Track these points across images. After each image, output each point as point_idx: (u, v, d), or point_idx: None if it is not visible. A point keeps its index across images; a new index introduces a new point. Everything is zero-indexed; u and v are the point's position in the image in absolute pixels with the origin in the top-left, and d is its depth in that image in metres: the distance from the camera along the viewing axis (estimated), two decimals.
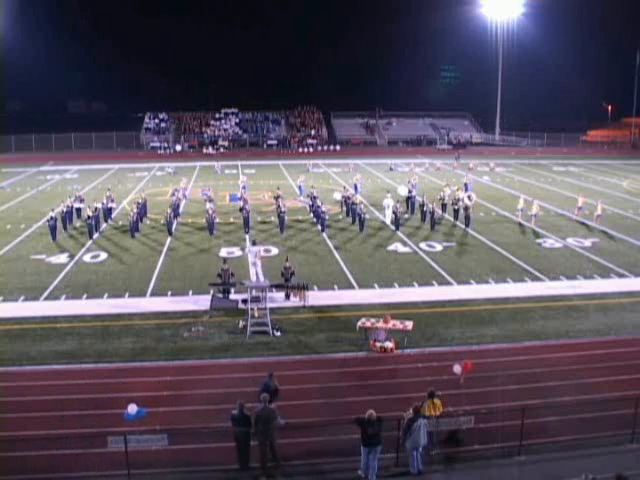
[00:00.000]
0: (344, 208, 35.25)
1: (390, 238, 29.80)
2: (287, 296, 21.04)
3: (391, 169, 55.96)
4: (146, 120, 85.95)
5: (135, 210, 31.09)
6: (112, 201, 34.11)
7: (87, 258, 26.44)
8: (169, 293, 21.84)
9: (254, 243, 23.87)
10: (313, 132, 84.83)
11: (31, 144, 75.06)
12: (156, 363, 16.59)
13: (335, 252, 27.20)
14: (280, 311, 19.97)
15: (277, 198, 33.69)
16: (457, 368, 14.28)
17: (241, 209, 32.13)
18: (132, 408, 13.18)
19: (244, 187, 39.97)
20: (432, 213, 32.09)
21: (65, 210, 31.94)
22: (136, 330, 18.66)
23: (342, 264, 25.31)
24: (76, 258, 26.37)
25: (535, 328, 18.87)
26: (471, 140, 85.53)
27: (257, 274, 22.67)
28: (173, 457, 12.22)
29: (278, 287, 20.91)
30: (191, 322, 19.22)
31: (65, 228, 31.36)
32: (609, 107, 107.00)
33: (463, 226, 31.84)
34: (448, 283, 22.99)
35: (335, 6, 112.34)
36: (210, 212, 30.90)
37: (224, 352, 17.23)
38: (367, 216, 32.21)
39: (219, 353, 17.17)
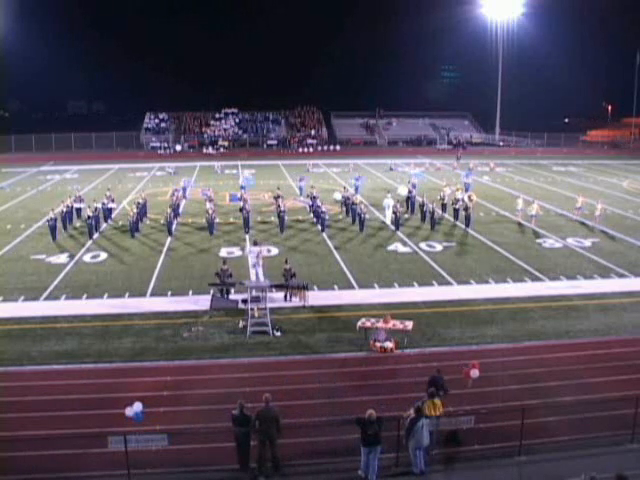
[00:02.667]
0: (344, 208, 35.25)
1: (390, 238, 29.79)
2: (286, 297, 21.00)
3: (391, 169, 55.96)
4: (146, 120, 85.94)
5: (135, 210, 31.08)
6: (112, 201, 34.10)
7: (87, 258, 26.45)
8: (169, 293, 21.84)
9: (255, 243, 23.81)
10: (313, 132, 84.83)
11: (31, 144, 75.05)
12: (156, 363, 16.59)
13: (335, 252, 27.20)
14: (280, 311, 19.97)
15: (277, 198, 33.70)
16: (475, 373, 14.28)
17: (241, 209, 32.12)
18: (138, 406, 13.12)
19: (243, 187, 39.98)
20: (432, 213, 32.09)
21: (65, 210, 31.94)
22: (136, 330, 18.66)
23: (342, 264, 25.31)
24: (76, 258, 26.37)
25: (535, 328, 18.87)
26: (471, 140, 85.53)
27: (257, 274, 22.66)
28: (173, 457, 12.21)
29: (278, 287, 20.90)
30: (191, 322, 19.22)
31: (65, 228, 31.36)
32: (609, 107, 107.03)
33: (463, 226, 31.84)
34: (448, 283, 22.99)
35: (335, 6, 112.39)
36: (210, 212, 30.91)
37: (224, 352, 17.22)
38: (367, 216, 32.20)
39: (219, 353, 17.17)
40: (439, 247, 28.08)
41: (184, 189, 40.63)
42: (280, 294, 21.19)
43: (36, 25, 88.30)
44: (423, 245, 28.38)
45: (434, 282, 23.05)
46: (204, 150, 74.49)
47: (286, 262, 21.93)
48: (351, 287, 22.56)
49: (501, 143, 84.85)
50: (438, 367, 14.40)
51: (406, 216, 34.39)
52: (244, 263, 25.20)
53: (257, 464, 12.03)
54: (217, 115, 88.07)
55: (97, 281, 23.17)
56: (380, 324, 17.58)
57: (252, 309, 18.79)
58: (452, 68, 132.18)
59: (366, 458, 11.77)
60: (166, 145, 76.82)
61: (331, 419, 13.44)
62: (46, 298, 21.43)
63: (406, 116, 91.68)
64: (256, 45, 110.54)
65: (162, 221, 32.25)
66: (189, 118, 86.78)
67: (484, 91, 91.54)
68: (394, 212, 31.76)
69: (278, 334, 18.25)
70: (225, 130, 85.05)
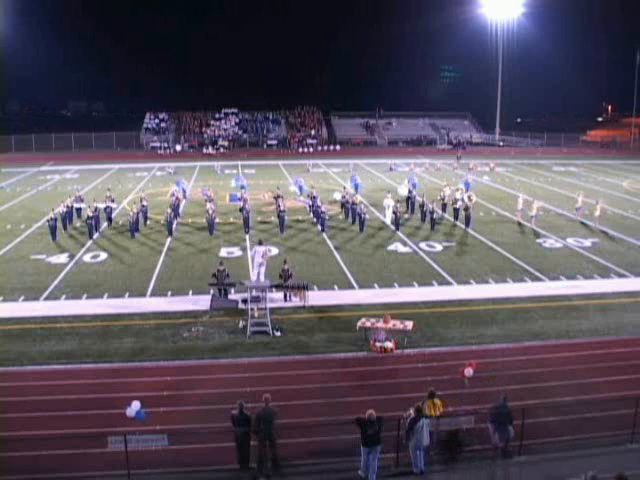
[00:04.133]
0: (343, 209, 35.02)
1: (390, 238, 29.79)
2: (286, 297, 20.98)
3: (391, 169, 55.95)
4: (146, 120, 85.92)
5: (135, 210, 31.02)
6: (112, 201, 34.06)
7: (87, 258, 26.44)
8: (169, 293, 21.83)
9: (260, 243, 23.73)
10: (313, 132, 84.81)
11: (31, 144, 75.03)
12: (156, 363, 16.58)
13: (335, 252, 27.19)
14: (280, 311, 19.97)
15: (277, 198, 33.69)
16: (469, 371, 14.27)
17: (241, 209, 32.12)
18: (136, 405, 13.06)
19: (243, 187, 39.98)
20: (432, 213, 32.09)
21: (65, 210, 31.94)
22: (136, 330, 18.65)
23: (342, 264, 25.30)
24: (76, 258, 26.37)
25: (535, 328, 18.86)
26: (471, 140, 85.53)
27: (259, 274, 22.63)
28: (173, 457, 12.21)
29: (278, 287, 20.90)
30: (191, 322, 19.21)
31: (65, 228, 31.36)
32: (609, 107, 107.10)
33: (463, 226, 31.84)
34: (448, 283, 22.98)
35: (335, 6, 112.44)
36: (210, 212, 30.90)
37: (224, 352, 17.22)
38: (367, 216, 32.18)
39: (219, 353, 17.17)
40: (439, 247, 28.08)
41: (183, 189, 40.64)
42: (280, 294, 21.19)
43: (36, 25, 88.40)
44: (423, 245, 28.37)
45: (434, 282, 23.04)
46: (204, 150, 74.48)
47: (285, 262, 21.91)
48: (351, 287, 22.56)
49: (501, 143, 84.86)
50: (505, 395, 12.93)
51: (406, 216, 34.37)
52: (244, 263, 25.20)
53: (257, 464, 12.03)
54: (217, 115, 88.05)
55: (97, 281, 23.17)
56: (380, 324, 17.57)
57: (252, 309, 18.79)
58: (452, 68, 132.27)
59: (366, 458, 11.76)
60: (166, 145, 76.82)
61: (331, 419, 13.43)
62: (46, 298, 21.42)
63: (406, 116, 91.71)
64: (256, 45, 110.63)
65: (162, 221, 32.24)
66: (189, 118, 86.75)
67: (484, 91, 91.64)
68: (394, 212, 31.75)
69: (278, 334, 18.24)
70: (225, 130, 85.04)
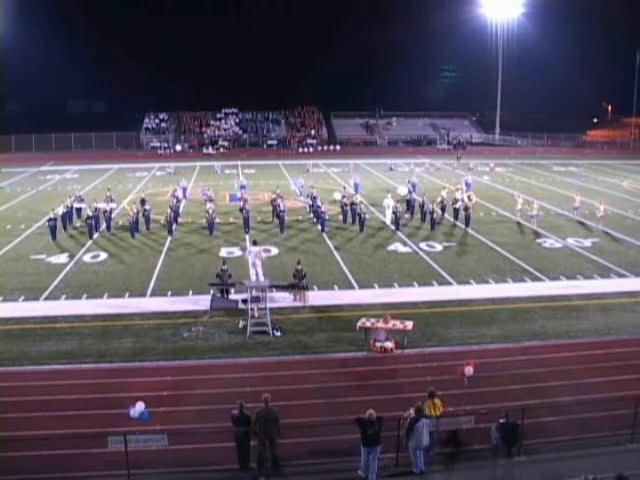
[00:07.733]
0: (342, 211, 34.68)
1: (390, 238, 29.79)
2: (295, 297, 20.94)
3: (391, 169, 55.95)
4: (146, 120, 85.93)
5: (135, 210, 30.98)
6: (112, 201, 34.03)
7: (87, 258, 26.44)
8: (169, 293, 21.83)
9: (255, 243, 23.82)
10: (313, 132, 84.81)
11: (31, 144, 75.04)
12: (156, 363, 16.59)
13: (335, 252, 27.19)
14: (280, 311, 19.97)
15: (276, 199, 33.65)
16: (469, 370, 14.29)
17: (241, 209, 32.11)
18: (140, 406, 13.08)
19: (243, 187, 39.96)
20: (432, 213, 32.09)
21: (65, 210, 31.93)
22: (136, 330, 18.65)
23: (342, 264, 25.31)
24: (76, 258, 26.37)
25: (535, 328, 18.87)
26: (471, 140, 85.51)
27: (257, 274, 22.66)
28: (173, 457, 12.21)
29: (278, 287, 20.90)
30: (191, 322, 19.22)
31: (65, 228, 31.35)
32: (609, 107, 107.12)
33: (463, 226, 31.84)
34: (448, 283, 22.99)
35: (335, 6, 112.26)
36: (210, 212, 30.90)
37: (224, 352, 17.22)
38: (367, 216, 32.18)
39: (219, 353, 17.17)
40: (439, 247, 28.08)
41: (184, 189, 40.63)
42: (281, 294, 21.18)
43: (36, 25, 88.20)
44: (423, 245, 28.37)
45: (434, 282, 23.04)
46: (204, 150, 74.49)
47: (298, 263, 21.64)
48: (351, 287, 22.56)
49: (501, 143, 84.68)
50: (507, 411, 12.53)
51: (407, 216, 34.31)
52: (244, 263, 25.18)
53: (257, 464, 12.03)
54: (217, 115, 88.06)
55: (97, 281, 23.17)
56: (380, 324, 17.57)
57: (252, 309, 18.79)
58: (452, 68, 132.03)
59: (366, 458, 11.76)
60: (166, 145, 76.82)
61: (331, 419, 13.43)
62: (46, 298, 21.42)
63: (406, 116, 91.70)
64: (256, 45, 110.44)
65: (162, 221, 32.21)
66: (189, 118, 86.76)
67: (484, 91, 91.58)
68: (394, 212, 31.75)
69: (278, 334, 18.24)
70: (225, 130, 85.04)
